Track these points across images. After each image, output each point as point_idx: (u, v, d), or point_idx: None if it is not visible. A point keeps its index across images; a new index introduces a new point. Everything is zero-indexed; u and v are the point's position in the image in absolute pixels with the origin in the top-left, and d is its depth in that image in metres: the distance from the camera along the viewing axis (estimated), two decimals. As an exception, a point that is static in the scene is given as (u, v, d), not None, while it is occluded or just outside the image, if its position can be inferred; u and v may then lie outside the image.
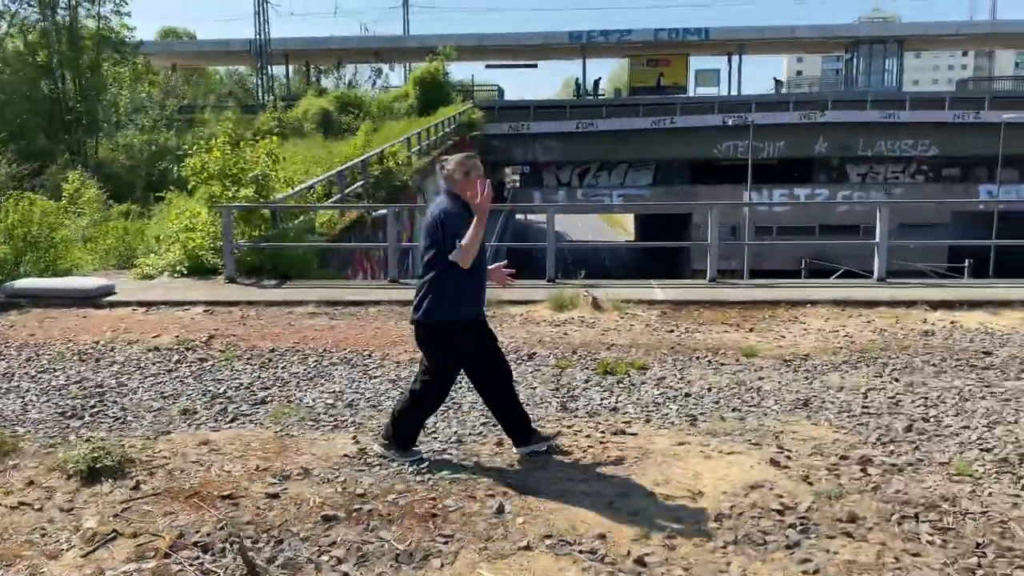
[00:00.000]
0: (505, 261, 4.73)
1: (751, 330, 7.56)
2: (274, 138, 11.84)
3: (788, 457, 4.33)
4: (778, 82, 46.57)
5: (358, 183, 16.22)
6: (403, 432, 4.33)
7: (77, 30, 22.60)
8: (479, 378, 4.34)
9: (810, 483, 3.98)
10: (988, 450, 4.44)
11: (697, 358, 6.57)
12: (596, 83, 50.14)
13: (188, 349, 6.93)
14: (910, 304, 8.39)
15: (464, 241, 4.00)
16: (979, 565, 3.21)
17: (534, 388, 5.78)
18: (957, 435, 4.71)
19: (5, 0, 23.64)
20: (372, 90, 46.18)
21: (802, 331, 7.53)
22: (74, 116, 20.30)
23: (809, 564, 3.21)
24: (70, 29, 22.84)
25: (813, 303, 8.47)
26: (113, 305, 8.55)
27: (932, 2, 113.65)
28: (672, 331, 7.49)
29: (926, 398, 5.44)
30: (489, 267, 4.40)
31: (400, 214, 16.04)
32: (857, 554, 3.29)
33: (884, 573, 3.16)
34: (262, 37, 41.38)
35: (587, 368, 6.28)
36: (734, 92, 46.32)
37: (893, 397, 5.49)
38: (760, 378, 6.02)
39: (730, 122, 40.61)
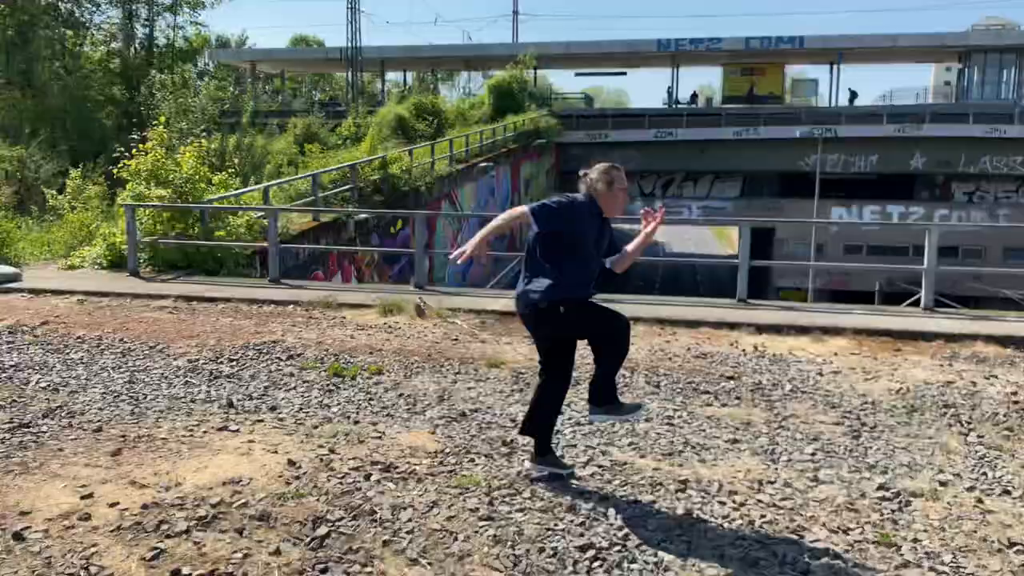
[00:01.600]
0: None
1: (538, 343, 7.56)
2: (204, 142, 12.63)
3: (323, 461, 4.49)
4: (853, 93, 44.09)
5: (346, 187, 16.90)
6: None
7: (153, 40, 24.60)
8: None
9: (288, 483, 4.15)
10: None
11: (440, 367, 6.69)
12: (693, 96, 49.25)
13: (12, 332, 7.68)
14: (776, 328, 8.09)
15: (628, 249, 4.25)
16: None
17: (247, 383, 6.10)
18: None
19: (91, 10, 25.77)
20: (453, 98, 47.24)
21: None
22: (129, 120, 22.21)
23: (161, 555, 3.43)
24: (149, 39, 24.89)
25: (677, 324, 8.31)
26: (8, 291, 9.49)
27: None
28: (456, 341, 7.60)
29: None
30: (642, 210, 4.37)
31: (368, 220, 16.53)
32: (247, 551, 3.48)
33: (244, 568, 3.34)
34: (353, 45, 43.18)
35: (325, 371, 6.54)
36: (837, 102, 44.36)
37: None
38: (468, 387, 6.11)
39: (816, 134, 38.94)
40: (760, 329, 8.02)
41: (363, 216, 16.31)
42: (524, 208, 4.07)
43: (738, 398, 5.99)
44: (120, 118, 24.53)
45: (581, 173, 4.24)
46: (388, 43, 51.35)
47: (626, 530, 3.79)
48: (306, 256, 14.33)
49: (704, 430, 5.29)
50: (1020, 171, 38.45)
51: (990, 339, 7.72)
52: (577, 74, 50.16)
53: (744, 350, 7.47)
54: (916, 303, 24.96)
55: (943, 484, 4.52)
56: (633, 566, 3.48)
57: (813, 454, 4.95)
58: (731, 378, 6.45)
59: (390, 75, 56.12)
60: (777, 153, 40.01)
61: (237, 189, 12.68)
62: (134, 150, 11.59)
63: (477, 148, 28.11)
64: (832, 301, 26.08)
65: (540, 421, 4.33)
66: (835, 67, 45.32)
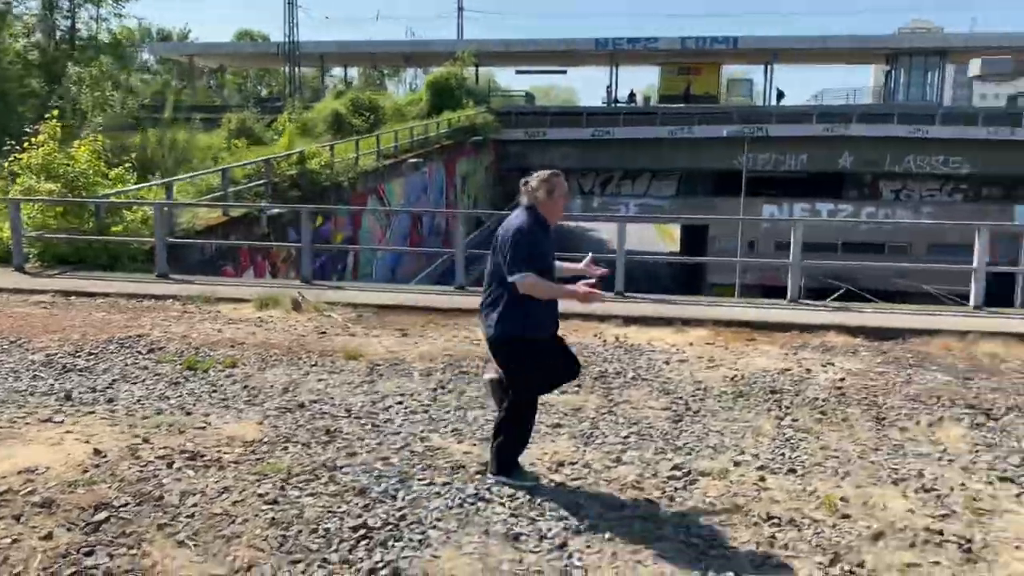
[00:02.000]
0: (598, 272, 4.59)
1: (404, 335, 7.70)
2: (100, 137, 12.50)
3: (131, 450, 4.57)
4: (780, 93, 45.15)
5: (260, 182, 16.82)
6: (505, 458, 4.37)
7: (76, 32, 24.08)
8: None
9: (85, 471, 4.22)
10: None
11: (298, 359, 6.78)
12: (631, 95, 49.81)
13: None
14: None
15: (532, 282, 4.07)
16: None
17: (97, 376, 6.13)
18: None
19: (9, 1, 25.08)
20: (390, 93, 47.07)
21: (452, 336, 7.63)
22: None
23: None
24: (71, 30, 24.36)
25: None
26: None
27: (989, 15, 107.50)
28: (324, 334, 7.70)
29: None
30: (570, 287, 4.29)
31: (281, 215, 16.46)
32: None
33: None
34: (290, 40, 42.78)
35: (180, 364, 6.58)
36: (770, 102, 45.32)
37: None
38: (319, 379, 6.22)
39: (747, 133, 39.76)
40: (628, 321, 8.26)
41: (275, 211, 16.25)
42: (525, 278, 4.07)
43: (579, 386, 6.19)
44: (41, 111, 23.95)
45: (522, 182, 4.27)
46: (330, 38, 51.01)
47: (406, 511, 3.94)
48: (212, 251, 14.24)
49: (531, 417, 5.48)
50: (942, 170, 39.72)
51: (842, 329, 8.08)
52: (518, 71, 50.16)
53: (605, 341, 7.71)
54: (840, 298, 25.62)
55: (736, 464, 4.77)
56: (397, 544, 3.63)
57: (626, 437, 5.17)
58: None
59: (337, 71, 55.74)
60: (711, 152, 40.70)
61: (135, 184, 12.56)
62: (26, 143, 11.42)
63: (408, 144, 28.10)
64: (763, 296, 26.71)
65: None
66: (769, 67, 46.36)
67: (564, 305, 4.47)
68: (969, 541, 3.83)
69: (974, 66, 46.97)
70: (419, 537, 3.69)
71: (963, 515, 4.13)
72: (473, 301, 7.57)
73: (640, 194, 44.99)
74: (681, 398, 5.99)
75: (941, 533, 3.91)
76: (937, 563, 3.65)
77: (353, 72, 54.30)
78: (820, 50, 43.69)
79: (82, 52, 24.53)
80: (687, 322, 8.14)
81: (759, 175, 41.96)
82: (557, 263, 4.43)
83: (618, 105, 47.28)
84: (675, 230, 74.21)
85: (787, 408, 5.83)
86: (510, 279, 4.09)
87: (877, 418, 5.65)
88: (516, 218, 4.22)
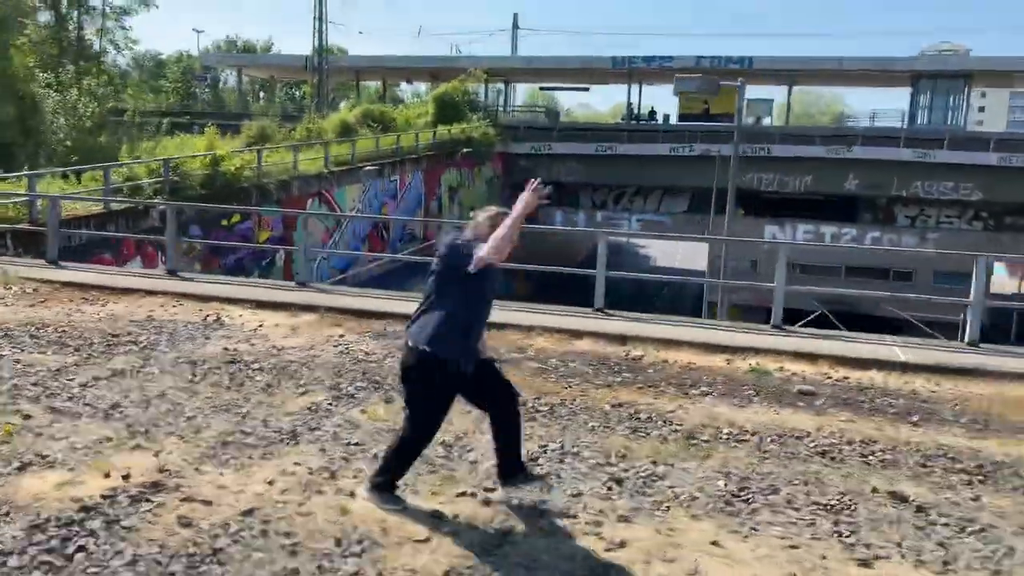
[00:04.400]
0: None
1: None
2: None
3: None
4: (758, 119, 44.52)
5: (158, 180, 18.57)
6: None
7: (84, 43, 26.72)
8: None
9: None
10: None
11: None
12: (652, 112, 50.19)
13: None
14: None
15: (496, 241, 3.93)
16: None
17: None
18: None
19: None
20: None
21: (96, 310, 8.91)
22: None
23: None
24: (79, 40, 27.05)
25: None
26: None
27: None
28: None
29: None
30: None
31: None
32: None
33: None
34: (319, 52, 45.26)
35: None
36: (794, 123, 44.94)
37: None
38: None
39: (748, 152, 39.62)
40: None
41: (162, 207, 17.94)
42: (482, 250, 3.99)
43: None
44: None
45: (471, 215, 4.32)
46: (371, 52, 53.42)
47: None
48: (81, 240, 15.97)
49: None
50: (951, 196, 38.53)
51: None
52: (541, 88, 51.29)
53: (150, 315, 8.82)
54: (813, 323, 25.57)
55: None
56: None
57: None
58: (116, 336, 7.85)
59: (374, 84, 58.16)
60: (713, 170, 40.68)
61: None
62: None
63: (372, 152, 29.65)
64: (764, 318, 26.52)
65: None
66: (790, 88, 45.96)
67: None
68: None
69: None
70: None
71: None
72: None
73: (652, 210, 45.29)
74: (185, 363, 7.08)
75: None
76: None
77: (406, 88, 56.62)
78: (837, 71, 43.03)
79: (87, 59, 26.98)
80: (305, 308, 9.20)
81: (765, 195, 41.76)
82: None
83: (638, 123, 47.79)
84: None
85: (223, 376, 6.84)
86: (472, 262, 3.98)
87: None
88: (455, 234, 4.24)
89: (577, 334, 8.55)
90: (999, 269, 51.79)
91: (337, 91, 58.24)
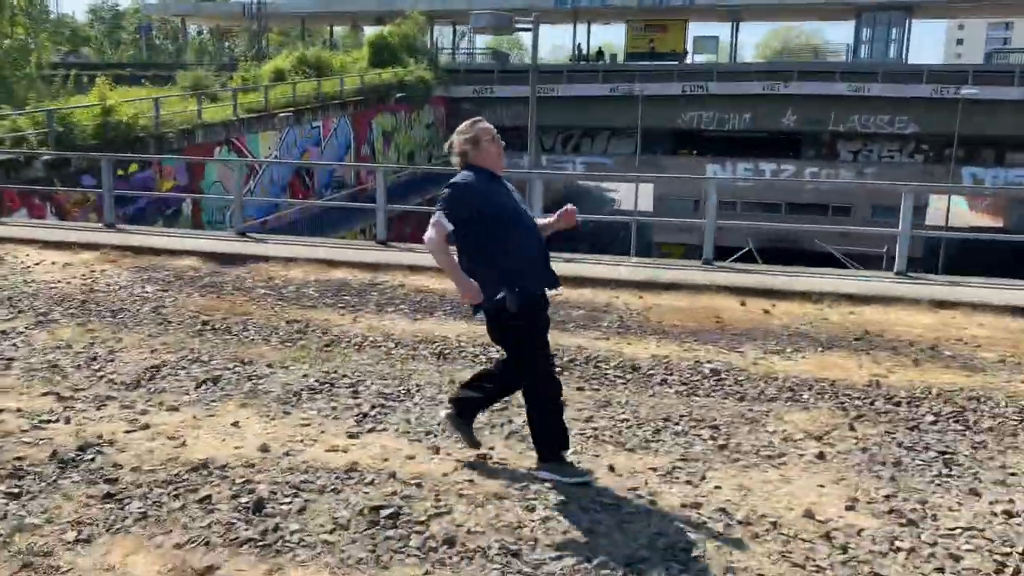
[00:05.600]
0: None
1: None
2: None
3: None
4: (682, 52, 44.26)
5: (43, 129, 18.66)
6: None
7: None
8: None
9: None
10: None
11: None
12: (599, 52, 49.84)
13: None
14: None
15: (433, 244, 3.83)
16: None
17: None
18: None
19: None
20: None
21: None
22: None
23: None
24: None
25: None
26: None
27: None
28: None
29: None
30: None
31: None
32: None
33: None
34: (256, 2, 44.71)
35: None
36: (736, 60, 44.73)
37: None
38: None
39: (687, 91, 39.64)
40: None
41: (47, 157, 18.11)
42: (434, 222, 3.83)
43: None
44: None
45: (446, 146, 4.04)
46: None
47: None
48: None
49: None
50: (887, 129, 38.65)
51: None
52: (475, 31, 50.60)
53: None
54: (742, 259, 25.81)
55: None
56: None
57: None
58: None
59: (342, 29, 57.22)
60: (656, 110, 40.61)
61: None
62: None
63: (290, 98, 29.58)
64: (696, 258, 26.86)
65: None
66: (735, 25, 45.68)
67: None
68: None
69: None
70: None
71: None
72: None
73: (597, 152, 45.28)
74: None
75: None
76: None
77: (339, 31, 55.87)
78: (780, 6, 42.73)
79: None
80: (84, 247, 9.54)
81: (705, 134, 41.85)
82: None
83: (583, 63, 47.51)
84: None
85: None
86: (432, 221, 3.82)
87: None
88: (458, 177, 3.93)
89: (334, 263, 8.92)
90: (960, 202, 52.27)
91: (287, 37, 57.51)
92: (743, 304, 7.49)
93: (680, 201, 39.53)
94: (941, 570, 3.32)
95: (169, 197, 22.71)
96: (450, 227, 3.79)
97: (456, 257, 3.92)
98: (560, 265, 4.53)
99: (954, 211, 54.09)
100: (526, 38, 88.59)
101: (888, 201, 39.00)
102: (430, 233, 3.83)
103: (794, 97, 38.66)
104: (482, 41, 66.78)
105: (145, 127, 21.73)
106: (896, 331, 6.72)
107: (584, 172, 43.07)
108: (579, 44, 49.09)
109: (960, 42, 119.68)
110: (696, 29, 47.77)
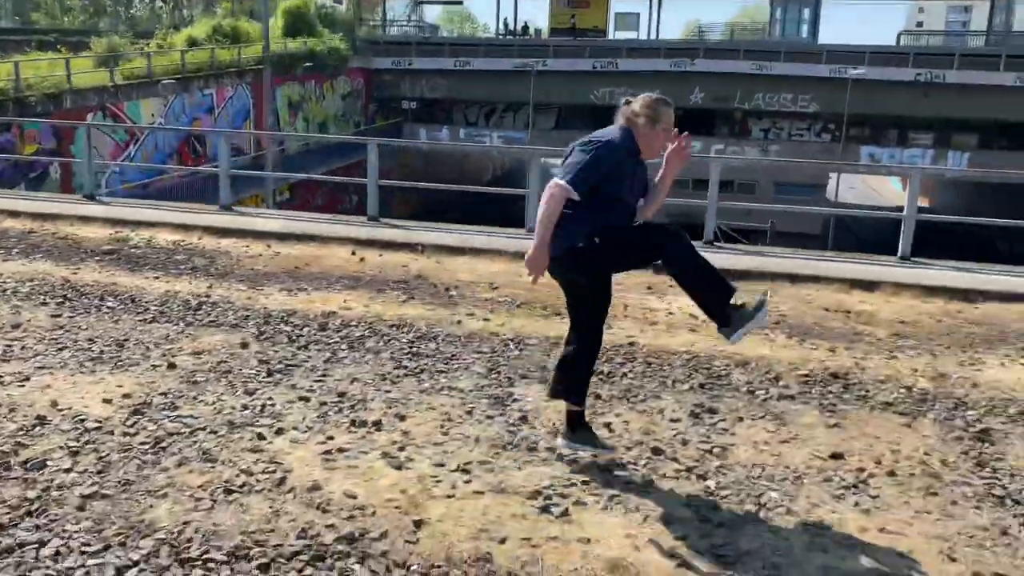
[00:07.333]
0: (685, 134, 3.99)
1: None
2: None
3: None
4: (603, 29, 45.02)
5: None
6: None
7: None
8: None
9: None
10: None
11: None
12: (525, 26, 50.26)
13: None
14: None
15: (555, 198, 3.63)
16: None
17: None
18: None
19: None
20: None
21: None
22: None
23: None
24: None
25: None
26: None
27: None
28: None
29: None
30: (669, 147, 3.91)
31: None
32: None
33: None
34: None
35: None
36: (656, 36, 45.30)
37: None
38: None
39: (597, 67, 40.21)
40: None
41: None
42: (557, 185, 3.63)
43: None
44: None
45: (623, 101, 3.93)
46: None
47: None
48: None
49: None
50: (790, 108, 39.46)
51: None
52: (418, 2, 50.98)
53: None
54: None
55: None
56: None
57: None
58: None
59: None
60: (569, 86, 41.17)
61: None
62: None
63: (178, 66, 29.81)
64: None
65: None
66: (659, 3, 46.23)
67: None
68: None
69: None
70: None
71: None
72: None
73: (519, 127, 45.78)
74: None
75: None
76: None
77: None
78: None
79: None
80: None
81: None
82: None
83: (511, 37, 47.90)
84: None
85: None
86: (554, 181, 3.64)
87: None
88: (607, 131, 3.82)
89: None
90: (894, 182, 53.47)
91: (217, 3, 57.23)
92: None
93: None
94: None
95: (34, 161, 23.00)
96: (577, 198, 3.63)
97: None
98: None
99: (887, 190, 55.49)
100: (480, 12, 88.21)
101: (791, 179, 40.23)
102: (556, 192, 3.63)
103: (701, 74, 39.34)
104: (432, 15, 67.01)
105: (3, 90, 22.00)
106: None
107: (500, 146, 43.49)
108: (505, 19, 49.47)
109: (920, 25, 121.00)
110: (619, 6, 48.30)
